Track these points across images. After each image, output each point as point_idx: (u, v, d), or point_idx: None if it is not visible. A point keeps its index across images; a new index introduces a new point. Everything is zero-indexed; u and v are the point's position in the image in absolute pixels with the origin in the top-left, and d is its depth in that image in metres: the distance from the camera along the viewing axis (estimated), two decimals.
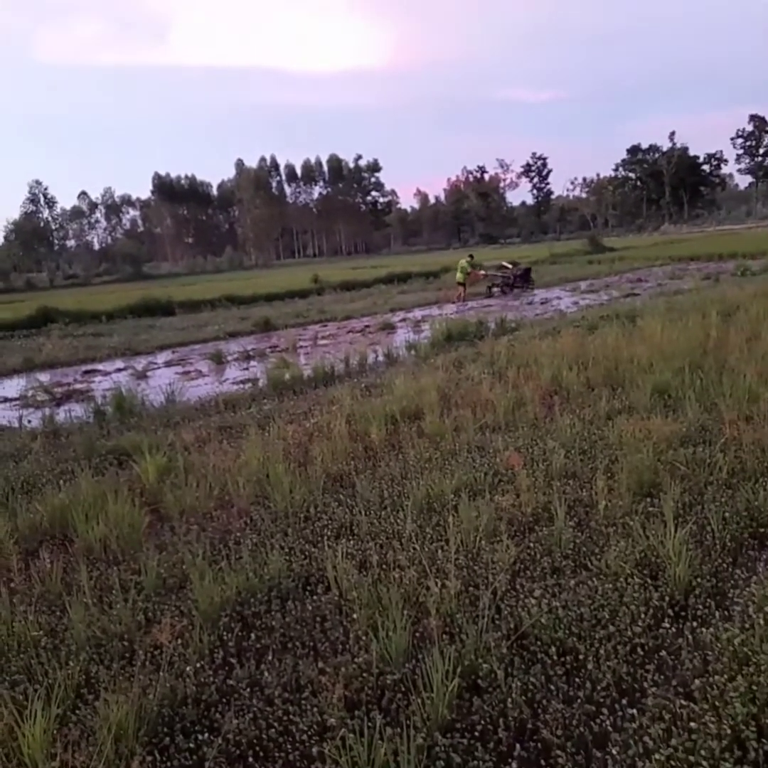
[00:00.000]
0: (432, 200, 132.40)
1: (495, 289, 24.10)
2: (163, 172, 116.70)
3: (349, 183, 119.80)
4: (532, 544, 4.26)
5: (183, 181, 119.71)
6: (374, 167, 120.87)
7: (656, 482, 5.00)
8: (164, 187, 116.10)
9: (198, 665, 3.31)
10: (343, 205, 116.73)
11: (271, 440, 6.55)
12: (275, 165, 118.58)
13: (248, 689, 3.14)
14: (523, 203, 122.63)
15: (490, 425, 6.91)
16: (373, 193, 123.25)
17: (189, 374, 12.50)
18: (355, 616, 3.58)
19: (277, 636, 3.57)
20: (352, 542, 4.50)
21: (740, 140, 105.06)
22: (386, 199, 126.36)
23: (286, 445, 6.50)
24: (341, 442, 6.42)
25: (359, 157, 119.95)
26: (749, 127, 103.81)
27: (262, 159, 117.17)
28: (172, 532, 4.99)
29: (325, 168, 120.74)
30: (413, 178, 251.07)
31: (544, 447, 5.99)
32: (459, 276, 22.28)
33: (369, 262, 56.85)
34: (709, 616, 3.37)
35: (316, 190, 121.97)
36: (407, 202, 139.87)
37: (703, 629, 3.23)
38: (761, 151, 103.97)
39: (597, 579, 3.75)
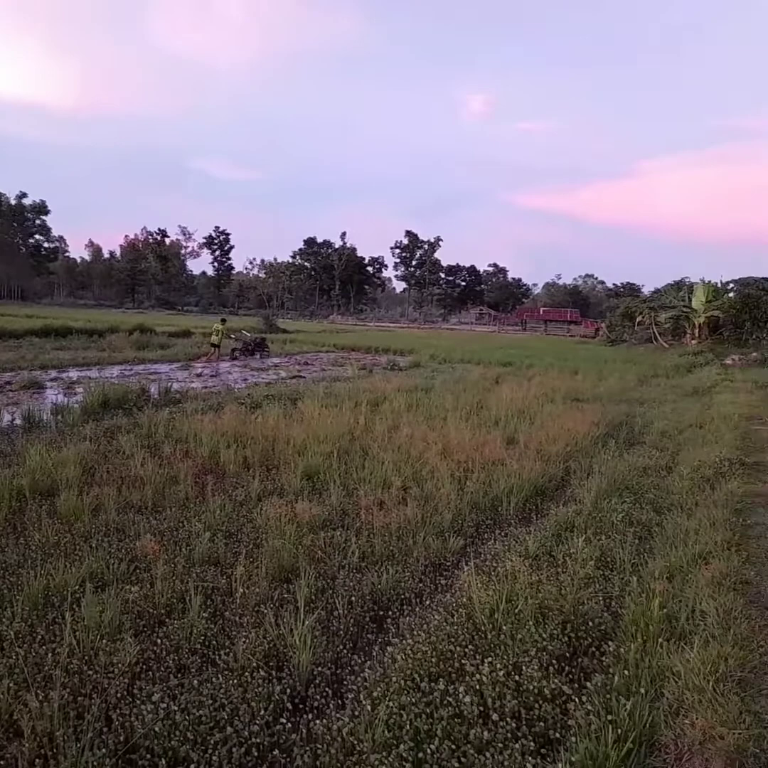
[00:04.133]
0: (106, 254, 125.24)
1: (237, 353, 25.63)
2: None
3: (8, 221, 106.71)
4: (160, 640, 3.99)
5: None
6: (41, 209, 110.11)
7: (295, 567, 5.14)
8: None
9: None
10: None
11: None
12: None
13: None
14: (204, 273, 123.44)
15: (136, 505, 6.48)
16: (38, 236, 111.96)
17: None
18: None
19: None
20: None
21: (398, 250, 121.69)
22: (52, 245, 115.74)
23: None
24: None
25: (23, 194, 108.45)
26: (405, 241, 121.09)
27: None
28: None
29: None
30: (86, 229, 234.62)
31: (190, 529, 5.78)
32: (214, 338, 23.91)
33: (23, 311, 50.40)
34: (325, 707, 3.46)
35: None
36: (78, 252, 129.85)
37: (318, 721, 3.29)
38: (414, 262, 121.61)
39: (223, 675, 3.63)
